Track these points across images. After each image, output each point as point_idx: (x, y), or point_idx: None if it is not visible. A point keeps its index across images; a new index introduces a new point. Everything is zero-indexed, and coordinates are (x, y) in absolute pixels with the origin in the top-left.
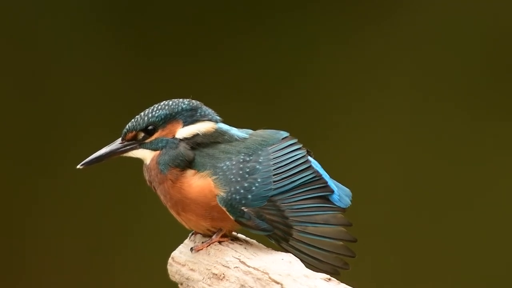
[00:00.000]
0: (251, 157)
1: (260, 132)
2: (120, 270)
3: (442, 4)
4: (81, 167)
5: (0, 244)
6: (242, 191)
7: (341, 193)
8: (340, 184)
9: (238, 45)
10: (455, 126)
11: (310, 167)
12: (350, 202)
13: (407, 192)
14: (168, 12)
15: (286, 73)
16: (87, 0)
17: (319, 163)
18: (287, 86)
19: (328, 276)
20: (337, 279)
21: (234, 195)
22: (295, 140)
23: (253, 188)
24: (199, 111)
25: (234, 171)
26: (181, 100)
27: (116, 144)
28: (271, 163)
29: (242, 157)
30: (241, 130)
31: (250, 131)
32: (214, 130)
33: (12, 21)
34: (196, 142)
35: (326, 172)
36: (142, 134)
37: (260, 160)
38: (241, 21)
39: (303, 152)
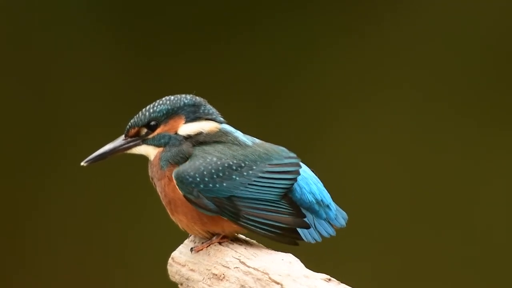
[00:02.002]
0: (239, 167)
1: (267, 145)
2: (120, 270)
3: (442, 5)
4: (85, 164)
5: (1, 243)
6: (198, 179)
7: (337, 214)
8: (338, 207)
9: (237, 46)
10: (456, 127)
11: (287, 197)
12: (344, 224)
13: (407, 193)
14: (168, 11)
15: (285, 74)
16: (87, 0)
17: (319, 164)
18: (285, 87)
19: (328, 276)
20: (337, 279)
21: (188, 177)
22: (294, 168)
23: (211, 185)
24: (202, 108)
25: (209, 166)
26: (183, 95)
27: (120, 140)
28: (255, 178)
29: (231, 162)
30: (246, 136)
31: (257, 140)
32: (218, 130)
33: (12, 22)
34: (198, 141)
35: (326, 189)
36: (144, 130)
37: (245, 173)
38: (240, 22)
39: (292, 182)
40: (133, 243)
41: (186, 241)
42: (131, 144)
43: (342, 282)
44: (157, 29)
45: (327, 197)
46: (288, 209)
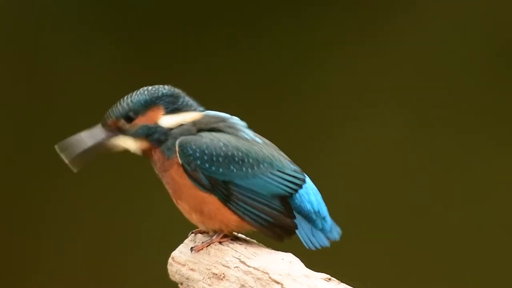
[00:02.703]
0: (241, 161)
1: (275, 152)
2: (120, 269)
3: (443, 14)
4: (74, 167)
5: (2, 244)
6: (198, 155)
7: (332, 227)
8: (334, 222)
9: (240, 51)
10: (457, 134)
11: (281, 197)
12: (338, 238)
13: (407, 194)
14: (171, 17)
15: (286, 81)
16: (87, 2)
17: (320, 166)
18: (287, 94)
19: (328, 276)
20: (337, 279)
21: (190, 149)
22: (299, 181)
23: (207, 165)
24: (181, 99)
25: (212, 148)
26: (161, 86)
27: (99, 132)
28: (257, 174)
29: (234, 153)
30: (254, 133)
31: (266, 140)
32: (201, 116)
33: (12, 23)
34: (201, 128)
35: (324, 202)
36: (122, 121)
37: (243, 168)
38: (241, 27)
39: (292, 191)
40: (133, 242)
41: (186, 241)
42: (109, 134)
43: (342, 282)
44: (158, 33)
45: (324, 210)
46: (279, 207)
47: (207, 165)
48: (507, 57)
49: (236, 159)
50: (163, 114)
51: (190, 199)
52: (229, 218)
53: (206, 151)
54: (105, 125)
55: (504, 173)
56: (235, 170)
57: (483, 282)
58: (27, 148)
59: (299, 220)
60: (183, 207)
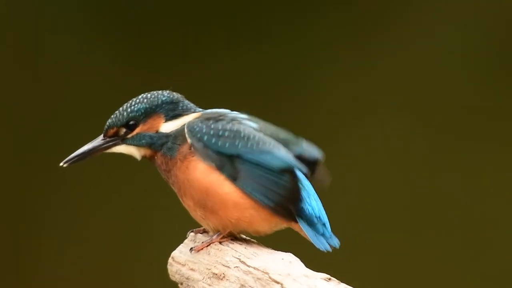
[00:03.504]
0: (247, 138)
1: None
2: (121, 269)
3: (444, 18)
4: (65, 165)
5: (4, 245)
6: (204, 131)
7: (332, 236)
8: (332, 233)
9: (239, 52)
10: (458, 139)
11: (290, 173)
12: (337, 246)
13: (407, 194)
14: (172, 17)
15: (288, 83)
16: (87, 4)
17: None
18: (288, 97)
19: (328, 276)
20: (337, 279)
21: (196, 127)
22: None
23: (214, 140)
24: (181, 104)
25: (218, 125)
26: (160, 92)
27: (98, 140)
28: (263, 147)
29: (240, 129)
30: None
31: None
32: (201, 114)
33: (12, 24)
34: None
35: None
36: (123, 130)
37: (249, 144)
38: (243, 28)
39: (300, 169)
40: (133, 242)
41: (186, 241)
42: (110, 144)
43: (342, 282)
44: (159, 35)
45: (324, 216)
46: (288, 183)
47: (213, 140)
48: (510, 61)
49: (242, 134)
50: (164, 122)
51: (194, 194)
52: (231, 212)
53: (212, 126)
54: (106, 135)
55: (506, 176)
56: (241, 145)
57: (483, 283)
58: (28, 149)
59: (301, 223)
60: (188, 204)
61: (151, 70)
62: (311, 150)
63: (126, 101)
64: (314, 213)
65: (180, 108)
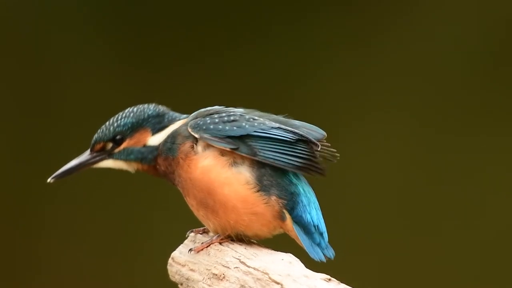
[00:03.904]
0: (252, 119)
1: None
2: (121, 269)
3: (442, 18)
4: (51, 180)
5: (4, 246)
6: (208, 122)
7: (328, 247)
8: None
9: (240, 52)
10: (456, 136)
11: (303, 141)
12: (332, 257)
13: (407, 195)
14: (172, 17)
15: (288, 83)
16: (87, 5)
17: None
18: (289, 96)
19: (328, 277)
20: (337, 279)
21: (200, 121)
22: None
23: (220, 127)
24: (167, 116)
25: (222, 117)
26: (146, 106)
27: (86, 155)
28: (271, 126)
29: (244, 113)
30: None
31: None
32: (188, 119)
33: (12, 24)
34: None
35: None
36: (110, 145)
37: (256, 123)
38: (244, 28)
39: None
40: (133, 243)
41: (186, 241)
42: (97, 159)
43: (342, 282)
44: (159, 36)
45: (323, 226)
46: (305, 151)
47: (220, 126)
48: (509, 61)
49: (247, 117)
50: (151, 136)
51: (196, 193)
52: (230, 214)
53: (216, 117)
54: (93, 149)
55: (506, 175)
56: (248, 125)
57: (484, 282)
58: (28, 149)
59: (298, 231)
60: (191, 203)
61: (151, 70)
62: (315, 129)
63: (126, 101)
64: (313, 222)
65: (166, 120)
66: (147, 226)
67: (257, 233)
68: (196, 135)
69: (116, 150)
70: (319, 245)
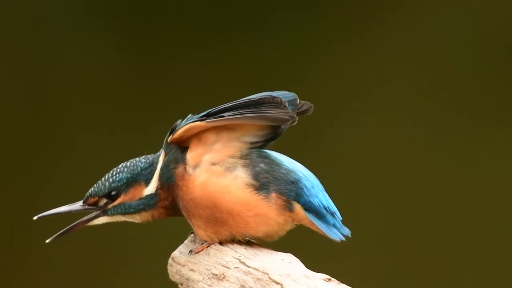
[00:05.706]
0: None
1: None
2: (120, 270)
3: (441, 9)
4: (48, 240)
5: (1, 244)
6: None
7: (342, 226)
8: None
9: (238, 49)
10: (455, 129)
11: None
12: (349, 235)
13: (407, 195)
14: (169, 15)
15: (284, 77)
16: (87, 3)
17: (318, 164)
18: (283, 88)
19: (328, 277)
20: (337, 279)
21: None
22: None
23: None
24: (154, 161)
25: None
26: (137, 159)
27: (77, 205)
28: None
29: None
30: None
31: None
32: (162, 150)
33: (12, 26)
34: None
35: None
36: (104, 200)
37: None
38: (239, 21)
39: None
40: (133, 243)
41: (186, 241)
42: (92, 216)
43: (342, 282)
44: (158, 33)
45: (332, 205)
46: (272, 104)
47: (195, 117)
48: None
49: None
50: (145, 188)
51: (201, 211)
52: (238, 220)
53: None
54: (85, 202)
55: (508, 175)
56: (223, 105)
57: (484, 282)
58: (29, 148)
59: (311, 217)
60: (198, 225)
61: (151, 69)
62: (284, 94)
63: (126, 100)
64: (322, 204)
65: (154, 164)
66: (147, 226)
67: (267, 233)
68: (174, 133)
69: (110, 206)
70: (334, 226)
